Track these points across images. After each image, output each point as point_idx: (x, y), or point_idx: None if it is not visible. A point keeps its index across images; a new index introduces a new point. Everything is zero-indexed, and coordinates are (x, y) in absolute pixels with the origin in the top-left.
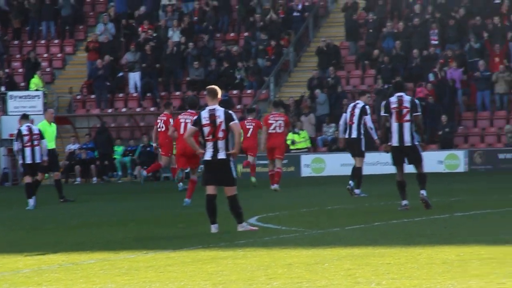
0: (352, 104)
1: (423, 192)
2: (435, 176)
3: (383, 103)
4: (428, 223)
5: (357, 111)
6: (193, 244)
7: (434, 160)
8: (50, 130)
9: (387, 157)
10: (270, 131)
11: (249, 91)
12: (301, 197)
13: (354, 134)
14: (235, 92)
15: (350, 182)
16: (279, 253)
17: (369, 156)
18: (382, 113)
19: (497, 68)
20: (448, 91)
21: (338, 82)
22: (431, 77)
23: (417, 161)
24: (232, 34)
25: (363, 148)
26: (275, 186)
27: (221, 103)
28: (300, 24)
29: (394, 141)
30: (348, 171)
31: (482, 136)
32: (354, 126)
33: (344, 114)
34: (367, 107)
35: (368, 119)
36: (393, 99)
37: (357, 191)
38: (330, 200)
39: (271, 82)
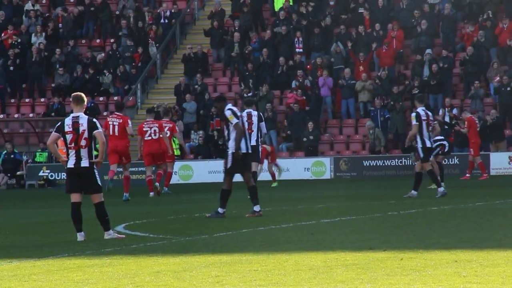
0: (244, 113)
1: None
2: (302, 183)
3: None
4: (295, 229)
5: (255, 119)
6: (58, 252)
7: (301, 167)
8: None
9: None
10: (146, 139)
11: (115, 98)
12: (169, 204)
13: (254, 142)
14: (101, 98)
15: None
16: (147, 261)
17: None
18: (235, 120)
19: (361, 76)
20: (315, 99)
21: (205, 89)
22: (294, 84)
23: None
24: (98, 41)
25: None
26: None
27: (88, 110)
28: (167, 31)
29: (244, 148)
30: (215, 178)
31: (347, 143)
32: (254, 134)
33: None
34: (261, 114)
35: (263, 125)
36: (234, 108)
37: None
38: (198, 207)
39: (138, 89)
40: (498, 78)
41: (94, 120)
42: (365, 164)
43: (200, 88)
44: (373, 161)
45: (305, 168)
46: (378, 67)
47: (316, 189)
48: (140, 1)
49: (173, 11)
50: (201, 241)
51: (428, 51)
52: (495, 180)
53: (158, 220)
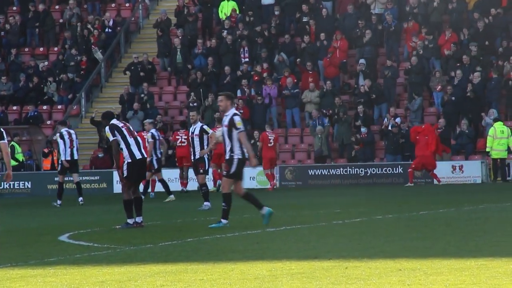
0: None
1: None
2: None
3: None
4: (240, 239)
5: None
6: (1, 262)
7: (246, 176)
8: None
9: None
10: None
11: (60, 107)
12: (113, 213)
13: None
14: (45, 107)
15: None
16: (91, 271)
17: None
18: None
19: (307, 86)
20: (260, 108)
21: (151, 98)
22: (239, 93)
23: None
24: (41, 49)
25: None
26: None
27: (31, 119)
28: (111, 40)
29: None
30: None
31: (292, 152)
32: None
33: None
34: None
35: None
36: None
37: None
38: (143, 216)
39: (82, 98)
40: (440, 87)
41: (2, 130)
42: (310, 173)
43: (146, 97)
44: (318, 170)
45: (250, 177)
46: (324, 77)
47: (262, 198)
48: (85, 10)
49: (117, 19)
50: (146, 250)
51: (362, 61)
52: (439, 189)
53: (102, 229)
